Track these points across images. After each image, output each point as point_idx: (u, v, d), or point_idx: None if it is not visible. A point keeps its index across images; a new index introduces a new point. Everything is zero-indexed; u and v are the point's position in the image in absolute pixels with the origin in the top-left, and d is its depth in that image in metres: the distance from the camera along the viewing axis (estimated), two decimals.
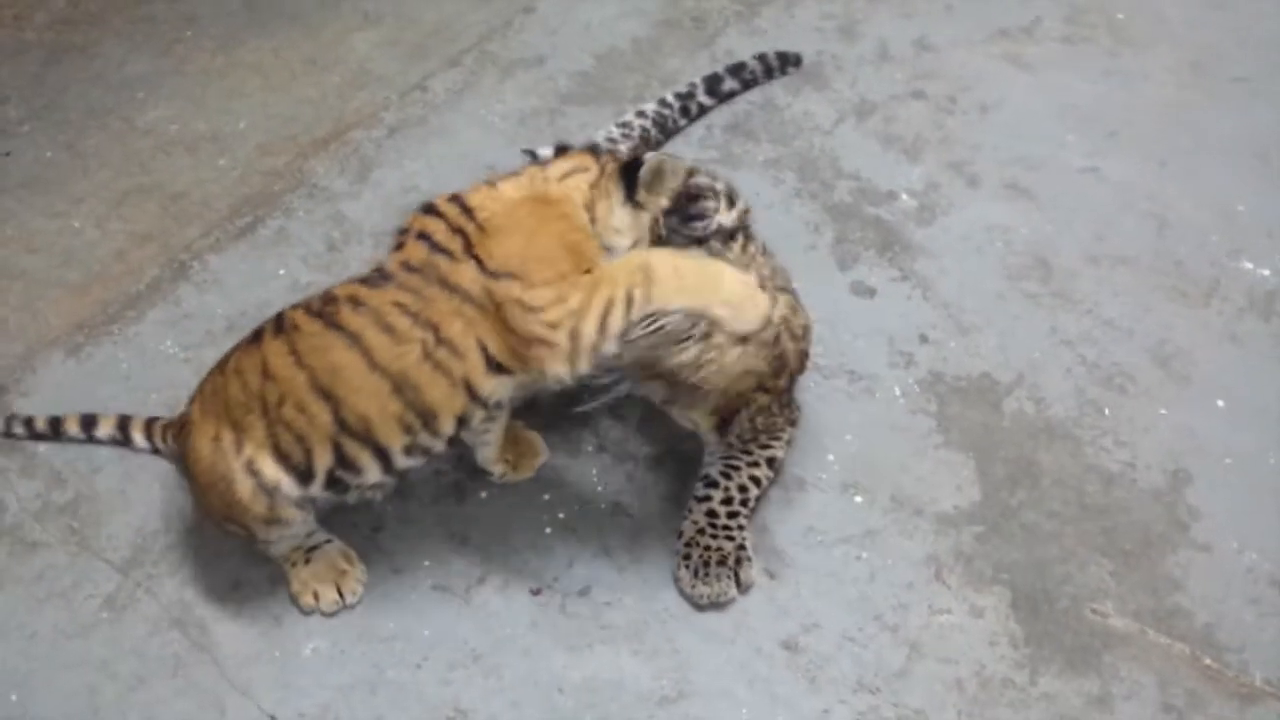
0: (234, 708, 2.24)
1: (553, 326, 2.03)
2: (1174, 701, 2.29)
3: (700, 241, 2.54)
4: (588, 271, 2.06)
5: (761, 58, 3.58)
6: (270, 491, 2.15)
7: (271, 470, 2.14)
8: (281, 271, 3.00)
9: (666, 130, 3.36)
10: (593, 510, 2.55)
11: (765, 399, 2.39)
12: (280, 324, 2.17)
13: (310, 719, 2.23)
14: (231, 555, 2.41)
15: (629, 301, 2.02)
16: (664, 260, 2.07)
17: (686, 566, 2.39)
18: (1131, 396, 2.80)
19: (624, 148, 3.06)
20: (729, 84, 3.51)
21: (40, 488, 2.55)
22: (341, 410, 2.11)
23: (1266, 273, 3.09)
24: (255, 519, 2.18)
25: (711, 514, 2.44)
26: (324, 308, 2.14)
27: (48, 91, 3.50)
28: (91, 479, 2.57)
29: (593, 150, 2.26)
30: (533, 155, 3.13)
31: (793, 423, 2.59)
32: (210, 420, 2.18)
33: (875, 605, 2.42)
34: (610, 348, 2.05)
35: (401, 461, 2.19)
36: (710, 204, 2.32)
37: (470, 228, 2.11)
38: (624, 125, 3.29)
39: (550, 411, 2.67)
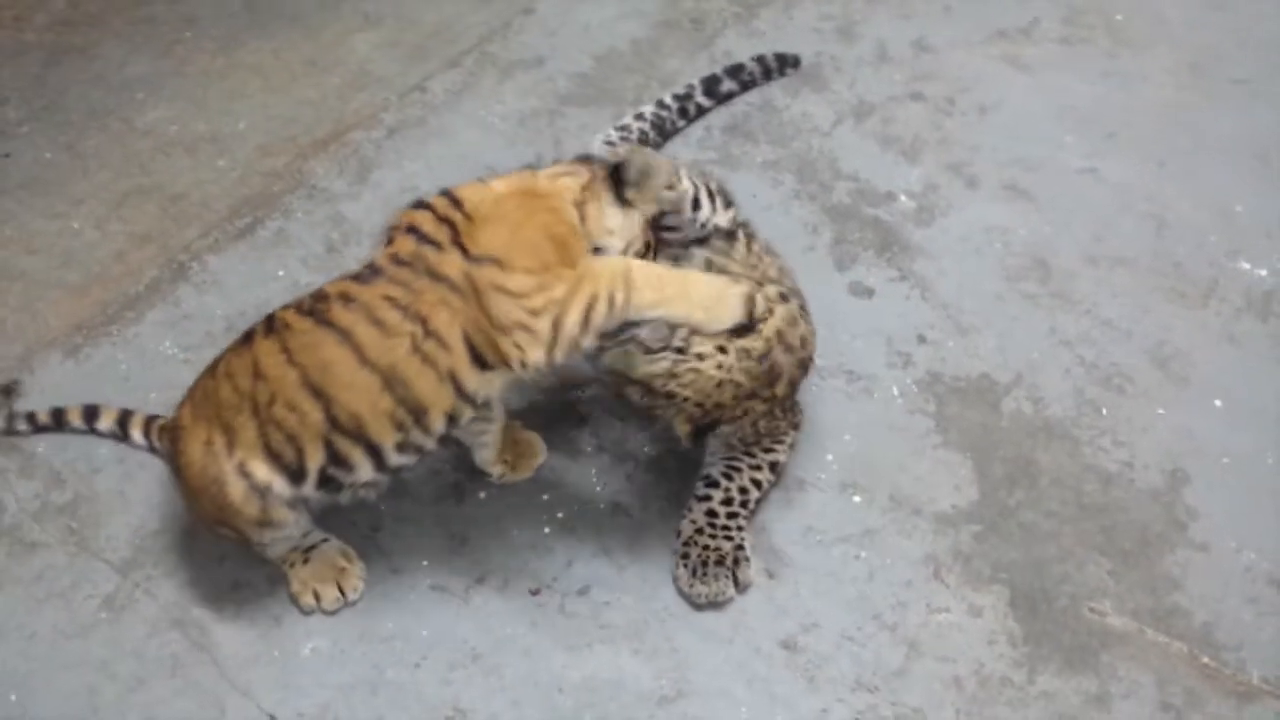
0: (234, 708, 2.24)
1: (535, 314, 2.04)
2: (1172, 700, 2.30)
3: (701, 242, 2.56)
4: (573, 266, 2.07)
5: (760, 59, 3.58)
6: (262, 493, 2.15)
7: (263, 471, 2.14)
8: (281, 272, 3.00)
9: (665, 132, 3.36)
10: (592, 510, 2.56)
11: (761, 406, 2.38)
12: (271, 324, 2.17)
13: (310, 719, 2.23)
14: (231, 556, 2.41)
15: (611, 301, 2.04)
16: (643, 267, 2.11)
17: (685, 566, 2.39)
18: (1130, 397, 2.80)
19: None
20: (727, 85, 3.51)
21: (39, 488, 2.56)
22: (333, 408, 2.11)
23: (1264, 273, 3.09)
24: (248, 522, 2.18)
25: (711, 514, 2.44)
26: (315, 305, 2.14)
27: (47, 92, 3.51)
28: (91, 479, 2.57)
29: (586, 159, 2.28)
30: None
31: (795, 426, 2.59)
32: (201, 425, 2.18)
33: (874, 604, 2.42)
34: (589, 343, 2.07)
35: (394, 459, 2.19)
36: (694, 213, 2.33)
37: (458, 218, 2.11)
38: (623, 129, 3.29)
39: (549, 412, 2.68)
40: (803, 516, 2.56)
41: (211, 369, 2.24)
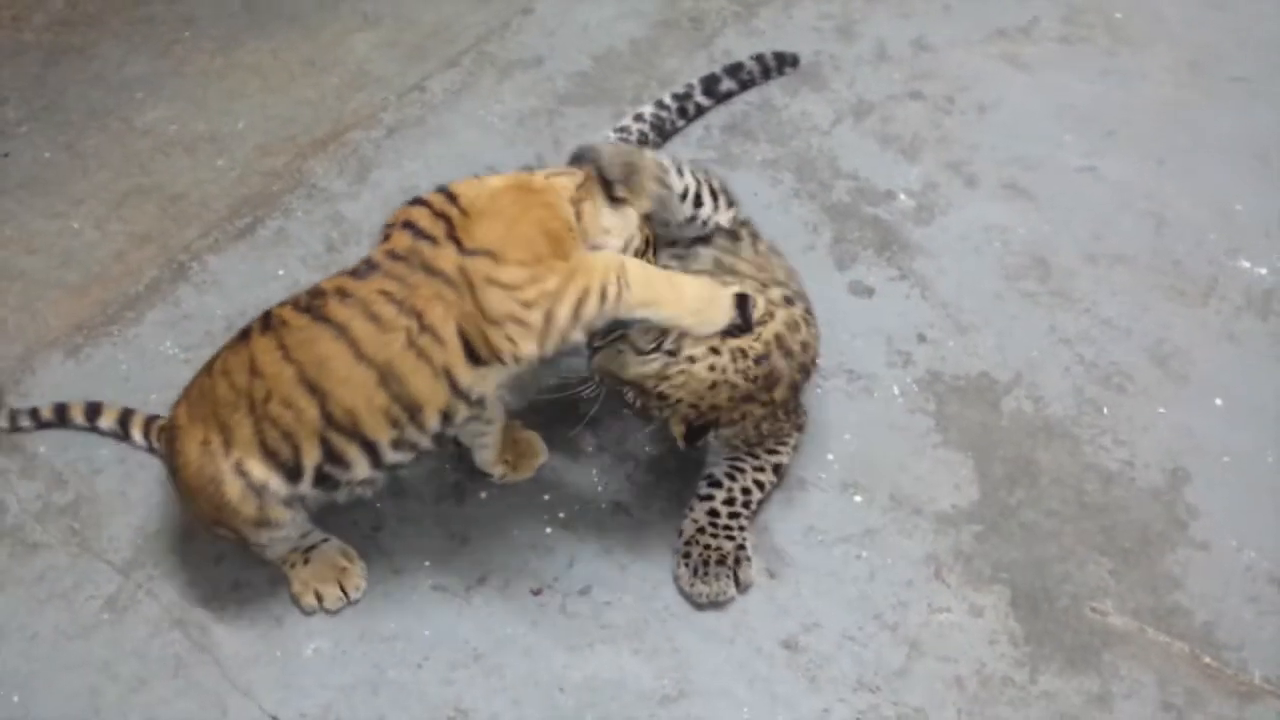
0: (235, 708, 2.25)
1: (528, 305, 2.04)
2: (1173, 700, 2.30)
3: (706, 240, 2.56)
4: (566, 260, 2.08)
5: (759, 58, 3.58)
6: (259, 491, 2.14)
7: (259, 470, 2.14)
8: (281, 272, 3.00)
9: (664, 132, 3.36)
10: (593, 510, 2.56)
11: (760, 410, 2.38)
12: (268, 321, 2.17)
13: (312, 719, 2.23)
14: (232, 556, 2.42)
15: (603, 296, 2.04)
16: (637, 265, 2.12)
17: (686, 565, 2.40)
18: (1130, 395, 2.80)
19: None
20: (726, 84, 3.51)
21: (41, 489, 2.56)
22: (328, 404, 2.11)
23: (1264, 271, 3.09)
24: (245, 521, 2.17)
25: (713, 513, 2.44)
26: (311, 302, 2.15)
27: (47, 92, 3.50)
28: (92, 480, 2.57)
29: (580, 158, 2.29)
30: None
31: (799, 428, 2.59)
32: (198, 424, 2.17)
33: (875, 604, 2.42)
34: (578, 336, 2.08)
35: (390, 456, 2.19)
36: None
37: (454, 213, 2.12)
38: (622, 130, 3.29)
39: (550, 413, 2.68)
40: (804, 516, 2.56)
41: (208, 367, 2.24)
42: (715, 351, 2.23)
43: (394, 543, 2.49)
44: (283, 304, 2.20)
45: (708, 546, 2.40)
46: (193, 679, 2.28)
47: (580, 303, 2.04)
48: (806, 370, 2.44)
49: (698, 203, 2.53)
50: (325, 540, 2.41)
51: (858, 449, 2.68)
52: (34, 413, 2.62)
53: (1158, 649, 2.37)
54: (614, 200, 2.21)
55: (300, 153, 3.35)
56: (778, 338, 2.32)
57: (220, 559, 2.43)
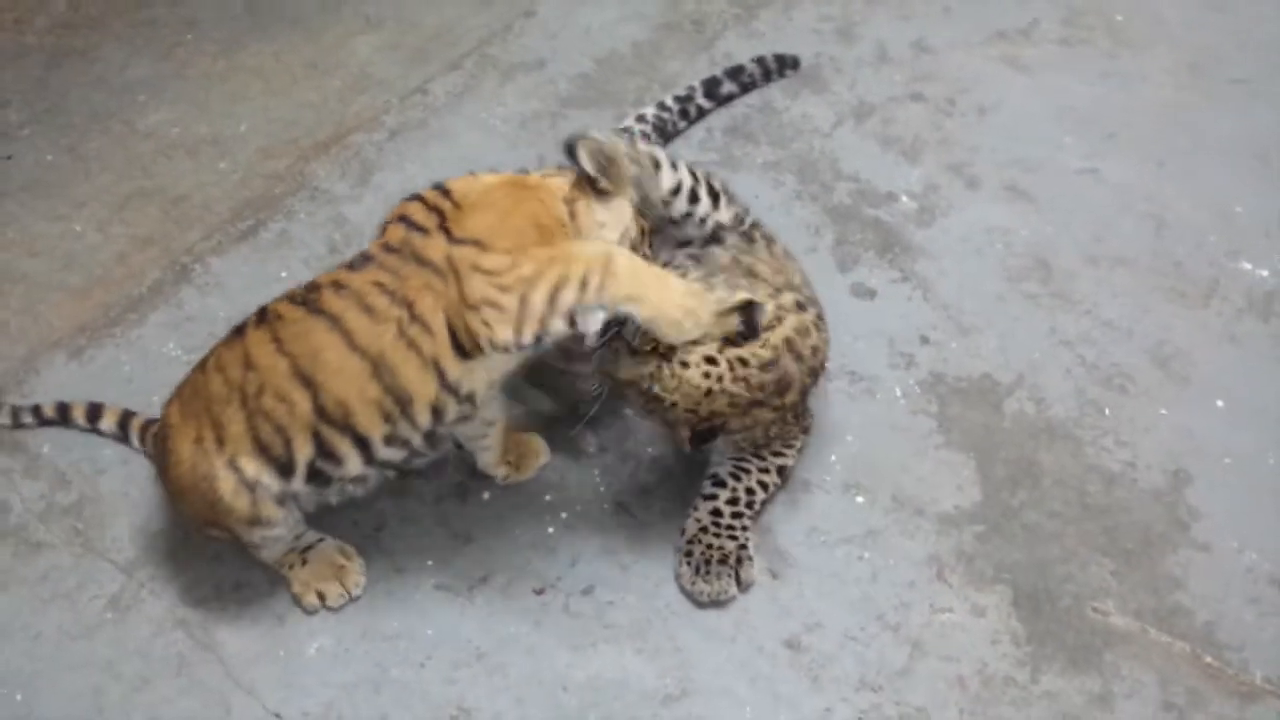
0: (239, 707, 2.25)
1: (504, 290, 2.04)
2: (1175, 700, 2.30)
3: (716, 240, 2.57)
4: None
5: (760, 60, 3.58)
6: (251, 487, 2.15)
7: (252, 466, 2.14)
8: (283, 274, 3.00)
9: (666, 134, 3.36)
10: (595, 510, 2.56)
11: (770, 415, 2.38)
12: (263, 316, 2.19)
13: (314, 717, 2.24)
14: (234, 556, 2.42)
15: (583, 284, 2.03)
16: (627, 260, 2.09)
17: (688, 564, 2.40)
18: (1131, 397, 2.81)
19: None
20: (727, 87, 3.52)
21: (44, 489, 2.56)
22: (321, 396, 2.11)
23: (1265, 273, 3.10)
24: (238, 519, 2.18)
25: (716, 513, 2.44)
26: (307, 295, 2.16)
27: (49, 95, 3.51)
28: (95, 480, 2.57)
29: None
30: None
31: (805, 431, 2.59)
32: (190, 422, 2.18)
33: (877, 604, 2.42)
34: (558, 325, 2.05)
35: (382, 452, 2.19)
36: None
37: (446, 206, 2.14)
38: (624, 131, 3.30)
39: (551, 413, 2.69)
40: (806, 517, 2.56)
41: (201, 364, 2.25)
42: (711, 360, 2.22)
43: (396, 542, 2.49)
44: (279, 299, 2.21)
45: (710, 546, 2.40)
46: (196, 678, 2.29)
47: (557, 289, 2.02)
48: (815, 374, 2.44)
49: (693, 199, 2.53)
50: (321, 540, 2.41)
51: (860, 450, 2.69)
52: (36, 410, 2.63)
53: (1159, 649, 2.38)
54: (601, 194, 2.22)
55: (302, 155, 3.35)
56: (788, 342, 2.31)
57: (222, 559, 2.43)
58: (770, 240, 2.64)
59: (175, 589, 2.41)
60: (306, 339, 2.11)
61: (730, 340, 2.21)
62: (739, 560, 2.40)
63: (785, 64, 3.63)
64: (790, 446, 2.54)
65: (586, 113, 3.49)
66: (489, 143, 3.40)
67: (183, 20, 3.79)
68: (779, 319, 2.32)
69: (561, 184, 2.22)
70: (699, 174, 2.58)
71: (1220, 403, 2.80)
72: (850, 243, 3.14)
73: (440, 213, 2.13)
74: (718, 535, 2.41)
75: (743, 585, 2.41)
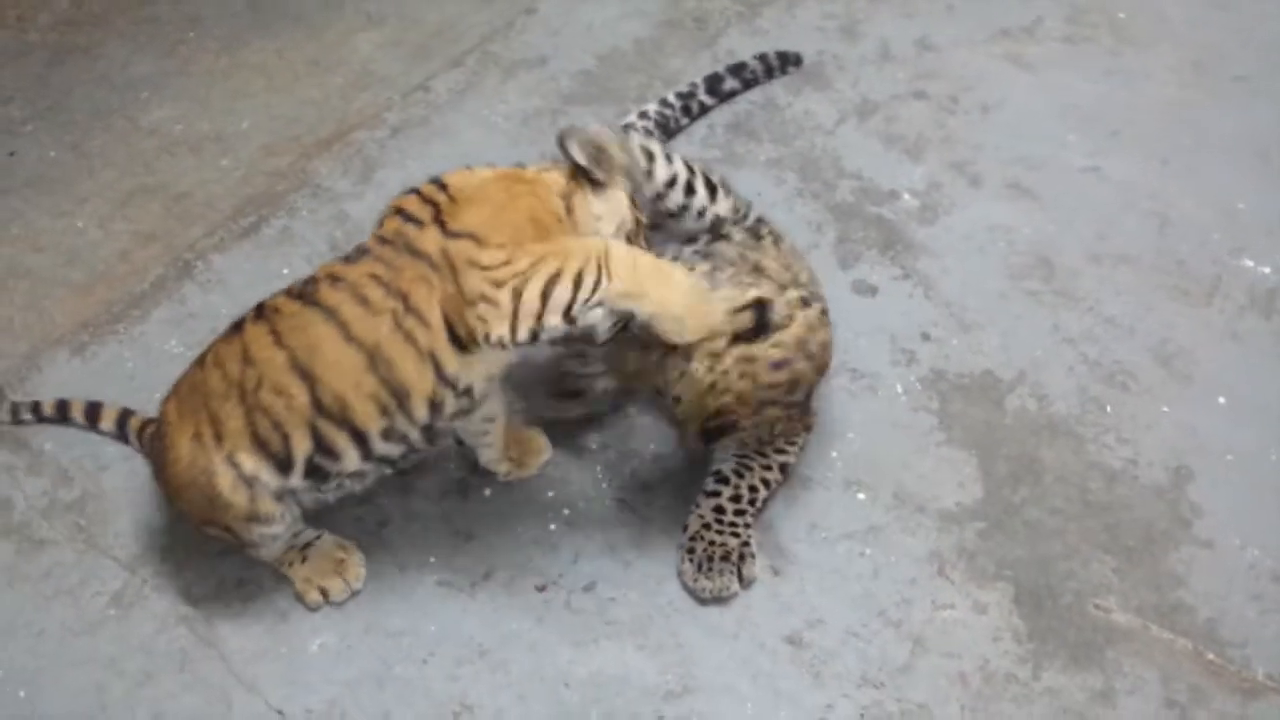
0: (241, 703, 2.25)
1: (497, 285, 2.04)
2: (1177, 696, 2.30)
3: (721, 236, 2.57)
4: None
5: (762, 57, 3.58)
6: (250, 482, 2.14)
7: (250, 461, 2.14)
8: (285, 271, 3.00)
9: (668, 130, 3.36)
10: (597, 506, 2.56)
11: (779, 412, 2.38)
12: (261, 311, 2.19)
13: (317, 714, 2.24)
14: (237, 552, 2.41)
15: (577, 281, 2.02)
16: (623, 252, 2.08)
17: (690, 560, 2.40)
18: (1133, 394, 2.81)
19: None
20: (730, 83, 3.52)
21: (47, 485, 2.56)
22: (318, 389, 2.11)
23: (1267, 271, 3.10)
24: (236, 516, 2.17)
25: (719, 510, 2.44)
26: (304, 289, 2.16)
27: (52, 92, 3.52)
28: (98, 477, 2.58)
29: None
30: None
31: (808, 428, 2.59)
32: (189, 419, 2.18)
33: (879, 601, 2.43)
34: (553, 321, 2.04)
35: (380, 447, 2.18)
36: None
37: (442, 199, 2.14)
38: (626, 128, 3.30)
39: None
40: (807, 514, 2.56)
41: (199, 360, 2.25)
42: (715, 355, 2.22)
43: (399, 539, 2.49)
44: (276, 294, 2.21)
45: (712, 543, 2.40)
46: (199, 674, 2.29)
47: (549, 285, 2.02)
48: (822, 371, 2.44)
49: (689, 191, 2.54)
50: (318, 536, 2.41)
51: (861, 447, 2.69)
52: (35, 407, 2.63)
53: (1161, 646, 2.38)
54: (596, 186, 2.22)
55: (305, 152, 3.36)
56: (800, 341, 2.31)
57: (225, 555, 2.43)
58: (778, 237, 2.64)
59: (178, 585, 2.42)
60: (304, 332, 2.12)
61: (741, 338, 2.21)
62: (741, 557, 2.40)
63: (788, 61, 3.63)
64: (793, 444, 2.54)
65: (588, 110, 3.49)
66: (491, 140, 3.40)
67: (185, 17, 3.79)
68: (790, 317, 2.31)
69: (557, 178, 2.22)
70: (695, 167, 2.58)
71: (1222, 400, 2.80)
72: (852, 240, 3.14)
73: (435, 206, 2.14)
74: (720, 532, 2.42)
75: (745, 582, 2.41)
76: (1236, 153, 3.43)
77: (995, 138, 3.46)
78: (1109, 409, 2.77)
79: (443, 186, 2.17)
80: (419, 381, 2.12)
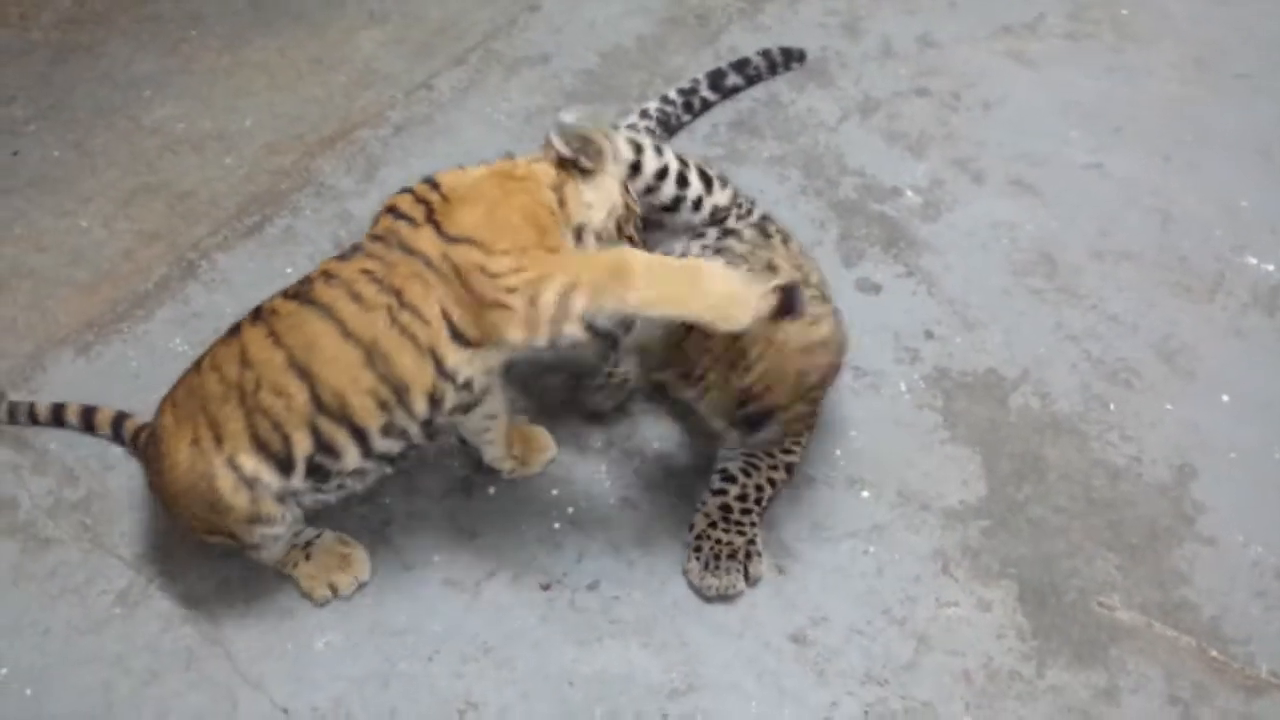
0: (246, 701, 2.26)
1: (510, 291, 2.04)
2: (1180, 694, 2.30)
3: (728, 231, 2.57)
4: (553, 249, 2.09)
5: (765, 53, 3.58)
6: (251, 484, 2.14)
7: (251, 462, 2.14)
8: (289, 269, 3.01)
9: (670, 127, 3.36)
10: (601, 505, 2.57)
11: (805, 408, 2.38)
12: (258, 313, 2.20)
13: (323, 712, 2.25)
14: (240, 555, 2.42)
15: (596, 292, 2.01)
16: (648, 263, 2.06)
17: (697, 558, 2.40)
18: (1137, 391, 2.81)
19: None
20: (732, 79, 3.52)
21: (52, 484, 2.57)
22: (317, 387, 2.11)
23: (1270, 268, 3.10)
24: (238, 518, 2.17)
25: (725, 508, 2.45)
26: (300, 288, 2.17)
27: (54, 91, 3.52)
28: (103, 476, 2.58)
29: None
30: None
31: (810, 428, 2.59)
32: (187, 425, 2.17)
33: (883, 599, 2.43)
34: (573, 329, 2.04)
35: (380, 444, 2.18)
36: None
37: (434, 198, 2.15)
38: (628, 126, 3.30)
39: (556, 408, 2.69)
40: (811, 512, 2.57)
41: (196, 365, 2.25)
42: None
43: (403, 538, 2.50)
44: (273, 296, 2.22)
45: (719, 541, 2.41)
46: (204, 672, 2.30)
47: (568, 292, 2.01)
48: (839, 369, 2.45)
49: (682, 182, 2.54)
50: (319, 534, 2.42)
51: (865, 445, 2.69)
52: (31, 410, 2.63)
53: (1165, 643, 2.38)
54: (585, 174, 2.23)
55: (308, 151, 3.36)
56: (825, 332, 2.31)
57: (230, 554, 2.43)
58: (786, 236, 2.64)
59: (183, 584, 2.42)
60: (301, 330, 2.12)
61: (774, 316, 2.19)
62: (748, 555, 2.41)
63: (791, 57, 3.63)
64: (799, 444, 2.55)
65: (594, 108, 3.48)
66: (493, 137, 3.40)
67: (188, 16, 3.79)
68: (812, 304, 2.31)
69: (547, 170, 2.22)
70: (690, 160, 2.58)
71: (1226, 397, 2.80)
72: (855, 238, 3.14)
73: (428, 205, 2.14)
74: (727, 530, 2.42)
75: (751, 580, 2.41)
76: (1239, 149, 3.43)
77: (997, 134, 3.46)
78: (1112, 406, 2.78)
79: (435, 186, 2.18)
80: (418, 376, 2.12)
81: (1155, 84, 3.65)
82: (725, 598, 2.40)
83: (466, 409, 2.28)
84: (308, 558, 2.38)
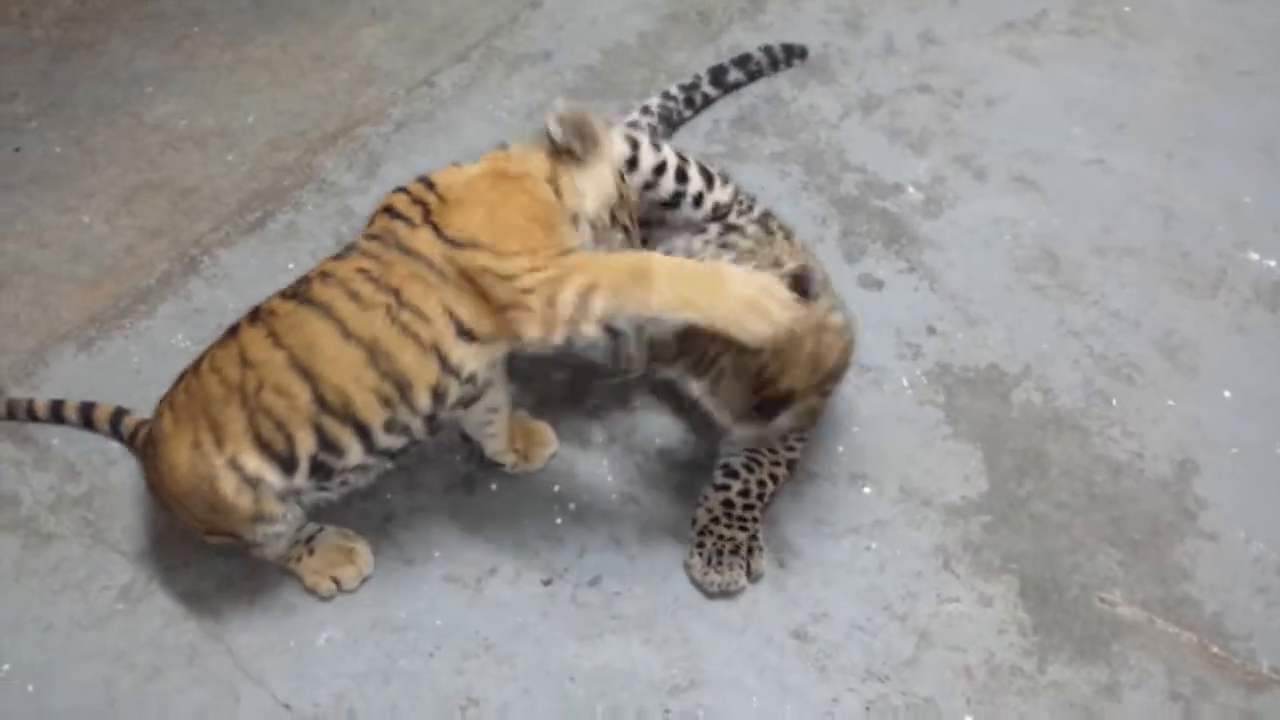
0: (249, 697, 2.26)
1: (526, 292, 2.04)
2: (1182, 690, 2.30)
3: (724, 223, 2.57)
4: (566, 250, 2.09)
5: (767, 50, 3.58)
6: (254, 483, 2.14)
7: (254, 462, 2.14)
8: (291, 266, 3.01)
9: (671, 123, 3.36)
10: (603, 501, 2.57)
11: (819, 402, 2.38)
12: (256, 314, 2.20)
13: (324, 708, 2.25)
14: (242, 553, 2.42)
15: (615, 294, 2.00)
16: (669, 267, 2.04)
17: (700, 554, 2.40)
18: (1139, 387, 2.81)
19: None
20: (734, 75, 3.51)
21: (54, 480, 2.57)
22: (320, 386, 2.11)
23: (1273, 264, 3.10)
24: (241, 518, 2.17)
25: (728, 504, 2.45)
26: (298, 288, 2.17)
27: (56, 88, 3.52)
28: (105, 471, 2.58)
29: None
30: None
31: (813, 424, 2.60)
32: (186, 427, 2.17)
33: (884, 595, 2.43)
34: (590, 330, 2.04)
35: (383, 440, 2.18)
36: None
37: (431, 199, 2.15)
38: (630, 125, 3.29)
39: (559, 404, 2.69)
40: (813, 508, 2.57)
41: (194, 368, 2.25)
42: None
43: (405, 534, 2.50)
44: (270, 298, 2.22)
45: (721, 537, 2.41)
46: (206, 668, 2.30)
47: (587, 294, 2.01)
48: (847, 365, 2.45)
49: (681, 177, 2.54)
50: (321, 529, 2.42)
51: (867, 441, 2.69)
52: (30, 407, 2.64)
53: (1166, 639, 2.38)
54: (579, 163, 2.23)
55: (310, 147, 3.36)
56: (838, 322, 2.31)
57: (232, 551, 2.44)
58: (789, 233, 2.64)
59: (185, 580, 2.42)
60: (301, 330, 2.12)
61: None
62: (750, 551, 2.41)
63: (793, 53, 3.63)
64: (802, 440, 2.55)
65: (592, 104, 3.48)
66: (495, 134, 3.40)
67: (190, 12, 3.79)
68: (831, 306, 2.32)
69: (541, 162, 2.22)
70: (689, 156, 2.58)
71: (1228, 393, 2.80)
72: (857, 234, 3.14)
73: (425, 205, 2.14)
74: (729, 526, 2.42)
75: (753, 576, 2.41)
76: (1241, 146, 3.43)
77: (1000, 131, 3.46)
78: (1114, 402, 2.77)
79: (431, 185, 2.18)
80: (421, 372, 2.12)
81: (1158, 81, 3.65)
82: (727, 593, 2.40)
83: (469, 403, 2.28)
84: (311, 553, 2.39)
